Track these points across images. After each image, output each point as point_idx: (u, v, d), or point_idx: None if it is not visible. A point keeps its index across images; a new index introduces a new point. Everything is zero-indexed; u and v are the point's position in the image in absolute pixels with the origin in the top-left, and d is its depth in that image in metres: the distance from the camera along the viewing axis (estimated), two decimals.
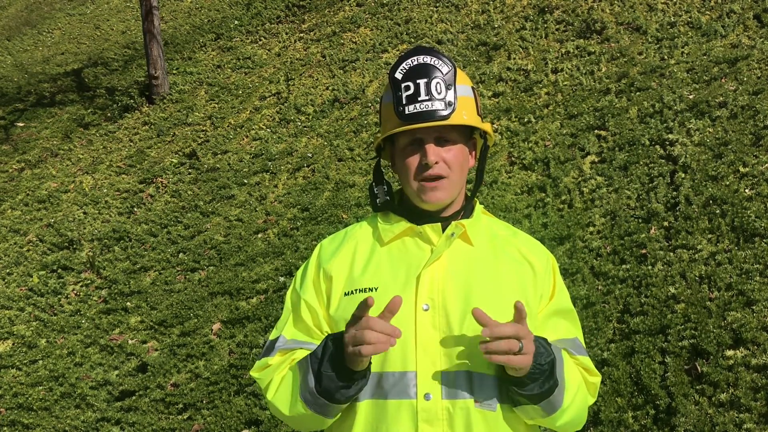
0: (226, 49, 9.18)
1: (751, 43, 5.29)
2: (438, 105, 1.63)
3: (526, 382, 1.53)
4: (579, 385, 1.67)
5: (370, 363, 1.57)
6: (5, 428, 4.74)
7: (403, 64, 1.67)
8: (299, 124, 7.05)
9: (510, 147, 5.45)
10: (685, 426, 3.15)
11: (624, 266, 4.01)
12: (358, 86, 7.14)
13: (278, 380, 1.66)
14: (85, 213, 7.05)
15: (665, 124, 4.82)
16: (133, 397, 4.70)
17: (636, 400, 3.37)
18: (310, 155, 6.49)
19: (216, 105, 8.07)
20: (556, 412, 1.60)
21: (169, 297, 5.45)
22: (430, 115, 1.62)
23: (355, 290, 1.66)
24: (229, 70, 8.67)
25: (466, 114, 1.67)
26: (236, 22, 9.66)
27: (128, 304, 5.55)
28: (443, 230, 1.68)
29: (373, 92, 6.98)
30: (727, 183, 4.16)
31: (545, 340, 1.59)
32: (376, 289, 1.64)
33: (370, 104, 6.79)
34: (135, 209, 6.88)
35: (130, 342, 5.17)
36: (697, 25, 5.73)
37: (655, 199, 4.31)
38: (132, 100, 8.83)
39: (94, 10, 12.85)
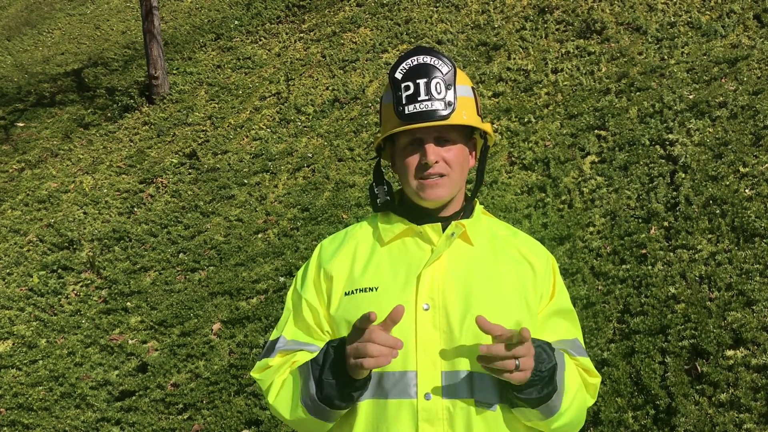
0: (226, 49, 9.18)
1: (751, 43, 5.29)
2: (438, 105, 1.63)
3: (525, 388, 1.53)
4: (578, 388, 1.67)
5: (371, 370, 1.58)
6: (5, 428, 4.74)
7: (403, 64, 1.67)
8: (299, 124, 7.05)
9: (510, 147, 5.45)
10: (685, 426, 3.15)
11: (624, 266, 4.01)
12: (358, 86, 7.14)
13: (279, 384, 1.67)
14: (85, 213, 7.05)
15: (665, 124, 4.82)
16: (133, 397, 4.70)
17: (636, 400, 3.37)
18: (310, 155, 6.49)
19: (216, 105, 8.07)
20: (553, 415, 1.60)
21: (169, 297, 5.45)
22: (430, 115, 1.62)
23: (356, 290, 1.67)
24: (229, 70, 8.67)
25: (465, 114, 1.67)
26: (236, 22, 9.66)
27: (128, 304, 5.55)
28: (443, 230, 1.68)
29: (373, 92, 6.98)
30: (727, 183, 4.16)
31: (549, 345, 1.59)
32: (376, 289, 1.65)
33: (370, 104, 6.79)
34: (135, 209, 6.88)
35: (130, 342, 5.17)
36: (697, 25, 5.73)
37: (655, 199, 4.31)
38: (132, 100, 8.83)
39: (94, 10, 12.85)
